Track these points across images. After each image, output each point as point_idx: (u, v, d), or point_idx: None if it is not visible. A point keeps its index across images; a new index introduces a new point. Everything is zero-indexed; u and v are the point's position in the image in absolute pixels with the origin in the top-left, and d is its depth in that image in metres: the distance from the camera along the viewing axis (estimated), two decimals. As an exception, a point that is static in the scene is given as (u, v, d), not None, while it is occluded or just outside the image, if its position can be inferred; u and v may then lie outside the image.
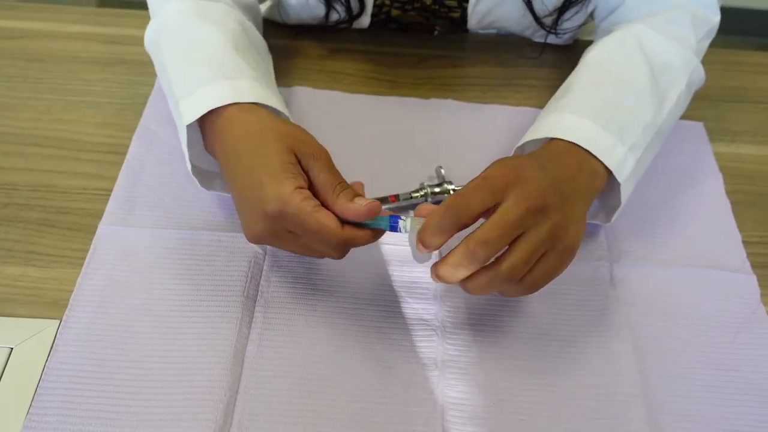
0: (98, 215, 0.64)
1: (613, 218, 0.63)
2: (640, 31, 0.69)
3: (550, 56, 0.84)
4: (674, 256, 0.65)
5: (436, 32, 0.88)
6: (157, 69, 0.67)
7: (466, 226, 0.51)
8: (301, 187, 0.52)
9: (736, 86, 0.83)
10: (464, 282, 0.52)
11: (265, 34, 0.83)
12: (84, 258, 0.61)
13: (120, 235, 0.63)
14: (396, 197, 0.66)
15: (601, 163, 0.59)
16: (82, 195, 0.66)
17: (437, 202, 0.67)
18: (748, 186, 0.72)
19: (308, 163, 0.54)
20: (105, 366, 0.54)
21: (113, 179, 0.67)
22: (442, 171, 0.68)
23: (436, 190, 0.67)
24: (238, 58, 0.62)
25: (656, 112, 0.64)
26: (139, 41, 0.70)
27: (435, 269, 0.52)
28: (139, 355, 0.55)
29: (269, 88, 0.62)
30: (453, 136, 0.74)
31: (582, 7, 0.79)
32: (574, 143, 0.59)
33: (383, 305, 0.60)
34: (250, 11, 0.73)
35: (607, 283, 0.62)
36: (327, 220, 0.52)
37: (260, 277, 0.61)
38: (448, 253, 0.51)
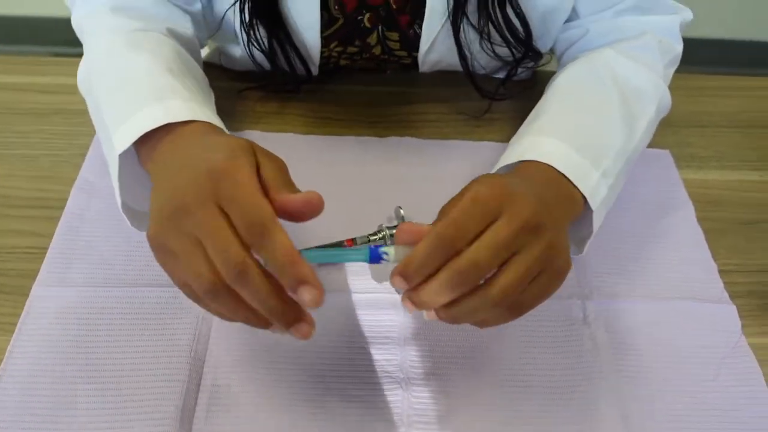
0: (32, 275, 0.59)
1: (585, 249, 0.59)
2: (609, 56, 0.68)
3: (508, 89, 0.82)
4: (650, 290, 0.61)
5: (388, 72, 0.85)
6: (90, 110, 0.63)
7: (457, 255, 0.46)
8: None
9: (699, 111, 0.82)
10: (445, 308, 0.47)
11: (207, 76, 0.80)
12: (16, 323, 0.56)
13: (56, 295, 0.58)
14: (353, 241, 0.62)
15: (577, 189, 0.57)
16: (13, 254, 0.62)
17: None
18: (718, 213, 0.70)
19: (263, 162, 0.49)
20: (35, 444, 0.49)
21: (48, 236, 0.62)
22: (402, 211, 0.64)
23: (396, 231, 0.63)
24: (172, 79, 0.59)
25: (627, 139, 0.62)
26: (76, 89, 0.66)
27: (412, 294, 0.46)
28: (76, 428, 0.50)
29: (209, 110, 0.58)
30: (413, 174, 0.71)
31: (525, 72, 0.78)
32: (551, 166, 0.57)
33: (343, 358, 0.55)
34: (186, 45, 0.70)
35: (580, 322, 0.59)
36: (264, 202, 0.44)
37: (209, 335, 0.56)
38: (432, 280, 0.46)
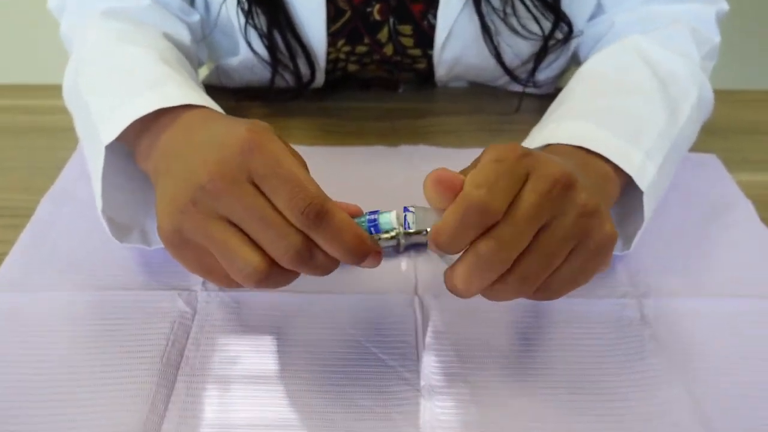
0: (-15, 283, 0.51)
1: (634, 242, 0.50)
2: (638, 41, 0.60)
3: (530, 104, 0.75)
4: (715, 287, 0.51)
5: (401, 90, 0.78)
6: (75, 116, 0.57)
7: (492, 223, 0.37)
8: None
9: (746, 119, 0.74)
10: (485, 291, 0.40)
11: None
12: (-43, 332, 0.47)
13: (7, 301, 0.49)
14: (361, 239, 0.53)
15: (612, 167, 0.48)
16: (-33, 261, 0.53)
17: (413, 245, 0.54)
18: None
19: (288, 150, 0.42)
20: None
21: (8, 243, 0.54)
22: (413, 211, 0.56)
23: (411, 230, 0.54)
24: (166, 68, 0.52)
25: (669, 120, 0.53)
26: (61, 109, 0.60)
27: (448, 281, 0.40)
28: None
29: (209, 98, 0.51)
30: (428, 179, 0.63)
31: (561, 53, 0.71)
32: (581, 147, 0.48)
33: (348, 366, 0.45)
34: (183, 51, 0.64)
35: (637, 322, 0.48)
36: (307, 173, 0.39)
37: (186, 340, 0.47)
38: (457, 262, 0.39)
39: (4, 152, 0.66)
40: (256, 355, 0.46)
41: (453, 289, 0.40)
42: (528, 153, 0.39)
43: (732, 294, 0.51)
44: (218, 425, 0.41)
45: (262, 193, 0.38)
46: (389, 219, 0.43)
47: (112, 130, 0.48)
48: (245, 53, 0.69)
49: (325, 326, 0.48)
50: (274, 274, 0.39)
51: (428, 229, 0.52)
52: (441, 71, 0.73)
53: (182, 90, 0.50)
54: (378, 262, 0.41)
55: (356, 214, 0.44)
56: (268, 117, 0.72)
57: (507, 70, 0.70)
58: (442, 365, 0.45)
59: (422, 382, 0.44)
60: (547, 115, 0.56)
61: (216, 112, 0.49)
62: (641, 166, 0.49)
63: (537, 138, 0.52)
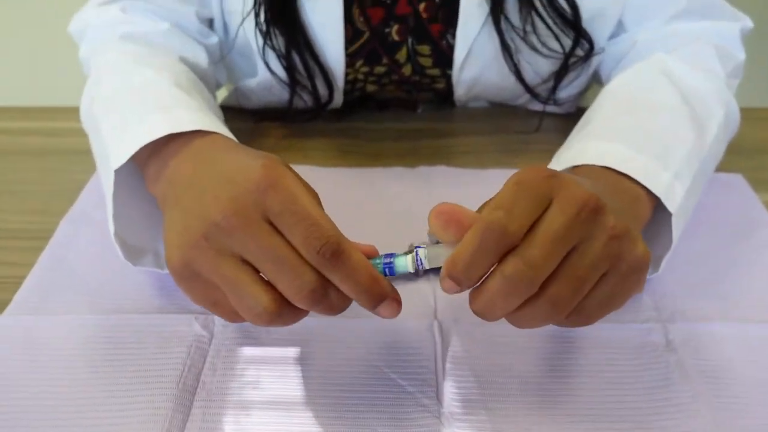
0: (3, 305, 0.50)
1: (662, 265, 0.49)
2: (663, 59, 0.60)
3: (550, 124, 0.74)
4: (743, 312, 0.50)
5: (419, 110, 0.78)
6: (91, 137, 0.57)
7: (511, 248, 0.37)
8: None
9: (769, 138, 0.73)
10: (509, 316, 0.39)
11: (225, 117, 0.75)
12: (-25, 356, 0.46)
13: (24, 326, 0.49)
14: (379, 261, 0.52)
15: (643, 189, 0.47)
16: (-15, 284, 0.53)
17: (432, 269, 0.53)
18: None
19: (301, 184, 0.41)
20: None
21: (30, 266, 0.54)
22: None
23: (424, 267, 0.53)
24: (179, 92, 0.52)
25: (697, 140, 0.52)
26: (79, 132, 0.60)
27: (472, 303, 0.39)
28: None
29: (221, 124, 0.51)
30: (447, 200, 0.61)
31: (582, 71, 0.70)
32: (609, 168, 0.47)
33: (366, 392, 0.44)
34: (200, 75, 0.64)
35: (662, 347, 0.47)
36: (323, 211, 0.39)
37: (203, 365, 0.46)
38: (482, 284, 0.38)
39: (22, 174, 0.66)
40: (273, 380, 0.45)
41: (478, 311, 0.39)
42: (552, 174, 0.38)
43: (760, 319, 0.49)
44: (234, 453, 0.41)
45: (278, 231, 0.38)
46: (405, 263, 0.41)
47: (121, 155, 0.48)
48: (263, 74, 0.69)
49: (343, 351, 0.47)
50: (285, 314, 0.39)
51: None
52: (460, 91, 0.73)
53: (194, 115, 0.50)
54: (397, 311, 0.40)
55: (371, 254, 0.43)
56: (286, 138, 0.71)
57: (528, 88, 0.69)
58: (463, 391, 0.44)
59: (442, 409, 0.43)
60: (573, 136, 0.56)
61: (228, 139, 0.49)
62: (669, 188, 0.48)
63: (563, 159, 0.51)
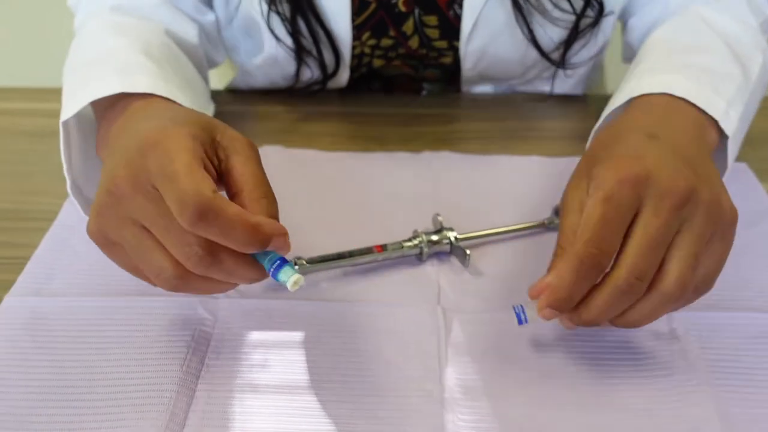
0: (7, 286, 0.50)
1: None
2: (700, 10, 0.62)
3: (556, 108, 0.74)
4: (747, 301, 0.50)
5: (423, 92, 0.78)
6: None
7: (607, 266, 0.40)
8: (201, 148, 0.39)
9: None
10: (618, 318, 0.41)
11: (229, 101, 0.74)
12: (-21, 336, 0.47)
13: (29, 306, 0.49)
14: (383, 247, 0.52)
15: (703, 115, 0.50)
16: (-12, 265, 0.53)
17: (436, 253, 0.53)
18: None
19: (231, 146, 0.40)
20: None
21: (32, 247, 0.54)
22: (440, 218, 0.55)
23: (434, 237, 0.53)
24: (144, 59, 0.52)
25: (743, 76, 0.55)
26: None
27: (572, 317, 0.41)
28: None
29: (179, 90, 0.51)
30: (451, 186, 0.62)
31: (591, 37, 0.70)
32: (668, 94, 0.50)
33: (367, 376, 0.44)
34: (187, 50, 0.64)
35: (666, 336, 0.47)
36: (200, 175, 0.36)
37: (207, 348, 0.46)
38: (590, 297, 0.40)
39: (26, 156, 0.66)
40: (276, 364, 0.45)
41: (585, 323, 0.41)
42: (637, 178, 0.40)
43: (763, 308, 0.49)
44: (239, 435, 0.41)
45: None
46: (286, 278, 0.38)
47: (69, 109, 0.49)
48: (269, 47, 0.69)
49: (346, 336, 0.47)
50: (193, 280, 0.38)
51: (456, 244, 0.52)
52: (467, 65, 0.72)
53: (150, 79, 0.49)
54: (287, 245, 0.38)
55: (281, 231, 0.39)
56: (292, 122, 0.71)
57: (541, 52, 0.69)
58: (465, 377, 0.44)
59: (445, 395, 0.43)
60: (626, 77, 0.57)
61: (169, 103, 0.48)
62: (725, 113, 0.50)
63: (619, 96, 0.53)
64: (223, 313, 0.48)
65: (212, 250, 0.37)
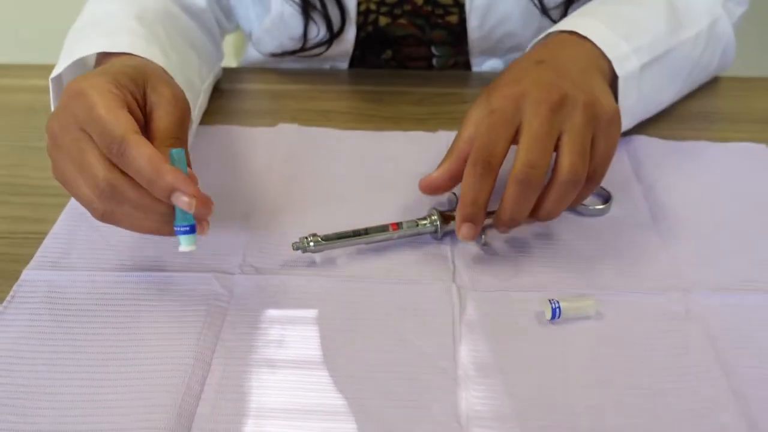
0: (26, 260, 0.51)
1: (628, 122, 0.59)
2: None
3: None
4: (763, 283, 0.49)
5: (433, 60, 0.78)
6: None
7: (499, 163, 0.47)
8: (122, 91, 0.44)
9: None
10: (533, 214, 0.48)
11: (245, 80, 0.74)
12: (-1, 308, 0.47)
13: (47, 279, 0.49)
14: (398, 225, 0.52)
15: (602, 55, 0.55)
16: (9, 239, 0.54)
17: (451, 231, 0.53)
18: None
19: (158, 101, 0.46)
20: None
21: (51, 222, 0.55)
22: (456, 197, 0.55)
23: (449, 216, 0.53)
24: (135, 23, 0.55)
25: (669, 32, 0.60)
26: None
27: (496, 221, 0.48)
28: (53, 422, 0.40)
29: (160, 51, 0.53)
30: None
31: None
32: (575, 32, 0.56)
33: (382, 352, 0.45)
34: (195, 16, 0.66)
35: (681, 316, 0.47)
36: (122, 114, 0.42)
37: (222, 323, 0.47)
38: (502, 199, 0.47)
39: (43, 132, 0.67)
40: (291, 340, 0.45)
41: (505, 220, 0.47)
42: (517, 94, 0.47)
43: (784, 289, 0.49)
44: (253, 408, 0.41)
45: (90, 137, 0.42)
46: (186, 242, 0.44)
47: (59, 67, 0.53)
48: (276, 3, 0.69)
49: (361, 312, 0.47)
50: (108, 208, 0.43)
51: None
52: (474, 21, 0.72)
53: (134, 39, 0.53)
54: (189, 203, 0.41)
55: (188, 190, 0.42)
56: (308, 101, 0.71)
57: (543, 7, 0.70)
58: (479, 354, 0.44)
59: (458, 371, 0.43)
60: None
61: (134, 58, 0.51)
62: (625, 57, 0.55)
63: (541, 36, 0.59)
64: (239, 289, 0.49)
65: (117, 182, 0.42)
